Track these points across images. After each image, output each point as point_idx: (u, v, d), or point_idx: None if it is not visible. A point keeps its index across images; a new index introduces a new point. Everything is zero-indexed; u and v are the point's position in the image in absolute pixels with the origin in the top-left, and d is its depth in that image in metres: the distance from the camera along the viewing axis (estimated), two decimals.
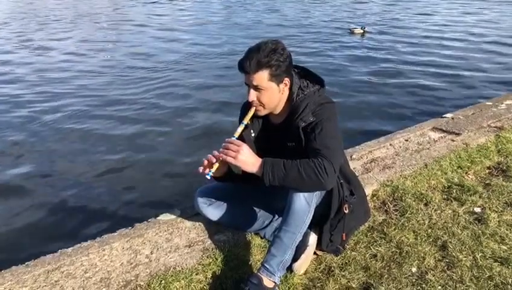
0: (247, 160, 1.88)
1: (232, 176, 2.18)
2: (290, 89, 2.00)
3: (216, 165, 1.92)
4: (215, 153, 1.92)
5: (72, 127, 5.68)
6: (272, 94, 1.95)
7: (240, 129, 2.00)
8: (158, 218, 2.55)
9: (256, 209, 2.38)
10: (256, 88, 1.93)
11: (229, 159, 1.87)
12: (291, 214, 1.94)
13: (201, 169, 1.93)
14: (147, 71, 8.33)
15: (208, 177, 1.93)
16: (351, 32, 11.91)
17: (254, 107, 1.99)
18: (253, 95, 1.95)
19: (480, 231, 2.39)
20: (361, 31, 11.81)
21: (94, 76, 8.04)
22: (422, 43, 10.71)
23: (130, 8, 16.80)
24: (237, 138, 1.95)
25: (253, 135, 2.12)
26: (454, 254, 2.22)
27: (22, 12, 15.15)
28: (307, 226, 1.99)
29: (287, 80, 1.97)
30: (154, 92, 7.07)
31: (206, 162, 1.93)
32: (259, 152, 1.96)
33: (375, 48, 10.26)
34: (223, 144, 1.91)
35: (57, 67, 8.73)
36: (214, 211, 2.32)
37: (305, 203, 1.92)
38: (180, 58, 9.34)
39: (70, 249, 2.28)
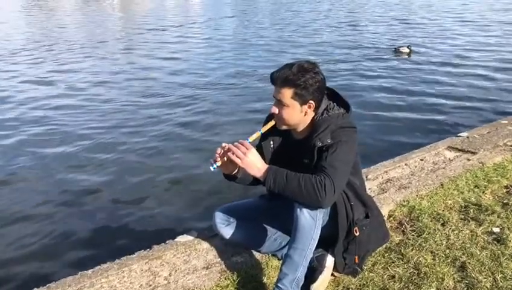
0: (253, 164, 1.93)
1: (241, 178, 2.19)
2: (316, 111, 2.04)
3: (219, 162, 1.97)
4: (224, 145, 1.97)
5: (90, 148, 5.80)
6: (292, 112, 2.00)
7: (255, 135, 2.05)
8: (176, 239, 2.57)
9: (273, 231, 2.40)
10: (279, 102, 2.00)
11: (236, 160, 1.92)
12: (298, 230, 1.95)
13: (211, 161, 2.00)
14: (165, 97, 8.34)
15: (212, 169, 1.98)
16: (397, 51, 11.44)
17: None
18: (274, 108, 2.02)
19: (499, 252, 2.37)
20: (408, 50, 11.32)
21: (113, 104, 8.06)
22: (458, 57, 10.68)
23: (141, 36, 16.85)
24: (250, 142, 1.99)
25: (272, 146, 2.18)
26: (473, 274, 2.20)
27: (38, 40, 15.42)
28: (315, 241, 1.99)
29: (311, 103, 2.00)
30: (172, 115, 7.17)
31: (217, 156, 1.99)
32: (275, 164, 2.00)
33: (418, 66, 10.05)
34: (235, 143, 1.96)
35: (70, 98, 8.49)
36: (231, 231, 2.34)
37: (310, 219, 1.93)
38: (209, 84, 9.26)
39: (90, 271, 2.31)
